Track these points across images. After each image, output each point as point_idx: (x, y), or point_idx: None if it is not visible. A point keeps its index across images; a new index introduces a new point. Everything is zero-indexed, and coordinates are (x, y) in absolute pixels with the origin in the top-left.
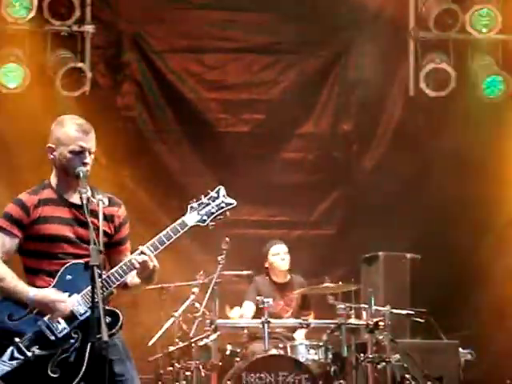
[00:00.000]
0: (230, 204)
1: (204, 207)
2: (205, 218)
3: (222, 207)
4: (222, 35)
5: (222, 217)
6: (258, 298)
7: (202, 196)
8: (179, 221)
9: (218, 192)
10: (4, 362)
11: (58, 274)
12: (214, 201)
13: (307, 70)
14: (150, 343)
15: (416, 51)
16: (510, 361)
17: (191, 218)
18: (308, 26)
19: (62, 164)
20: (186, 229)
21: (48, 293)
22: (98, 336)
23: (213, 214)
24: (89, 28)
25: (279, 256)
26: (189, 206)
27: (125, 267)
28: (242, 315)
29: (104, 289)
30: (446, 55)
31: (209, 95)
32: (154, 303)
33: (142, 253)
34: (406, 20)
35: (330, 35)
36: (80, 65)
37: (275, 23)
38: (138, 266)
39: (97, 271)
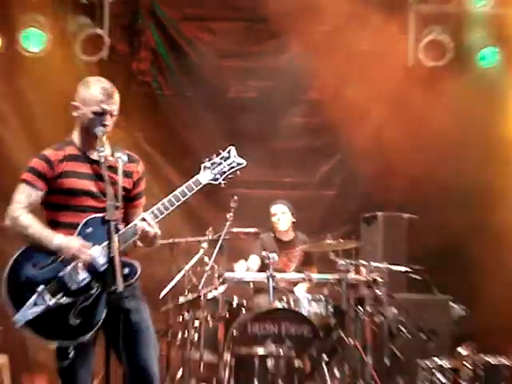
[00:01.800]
0: (241, 163)
1: (216, 166)
2: (217, 176)
3: (233, 166)
4: (232, 4)
5: (233, 175)
6: (263, 253)
7: (215, 156)
8: (193, 179)
9: (229, 152)
10: (28, 309)
11: (79, 226)
12: (225, 160)
13: (312, 40)
14: (162, 295)
15: (415, 23)
16: (501, 319)
17: (205, 177)
18: None
19: (84, 123)
20: (199, 186)
21: (73, 240)
22: (114, 287)
23: (225, 172)
24: None
25: (276, 216)
26: (202, 165)
27: (130, 231)
28: (248, 268)
29: (122, 242)
30: (444, 27)
31: (219, 62)
32: (166, 257)
33: (143, 219)
34: None
35: (332, 6)
36: (99, 31)
37: None
38: (140, 233)
39: (113, 225)
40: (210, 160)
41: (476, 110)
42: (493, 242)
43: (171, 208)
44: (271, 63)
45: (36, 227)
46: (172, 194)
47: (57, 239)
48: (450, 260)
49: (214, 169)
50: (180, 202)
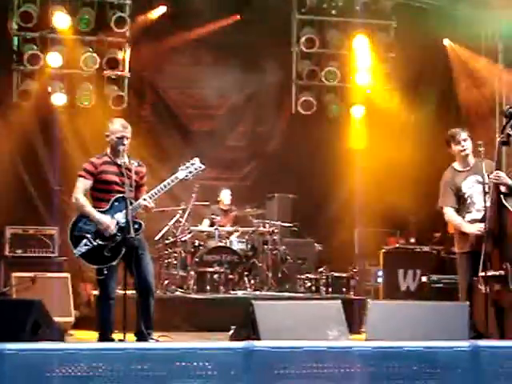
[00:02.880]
0: (201, 167)
1: (187, 168)
2: (187, 174)
3: (197, 169)
4: (191, 79)
5: (197, 174)
6: (212, 216)
7: (186, 162)
8: (173, 176)
9: (195, 160)
10: (81, 247)
11: (110, 201)
12: (192, 165)
13: (237, 99)
14: (156, 238)
15: (295, 90)
16: (342, 252)
17: (180, 174)
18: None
19: (112, 144)
20: (176, 181)
21: (104, 219)
22: (129, 235)
23: (192, 172)
24: (126, 74)
25: (226, 196)
26: (179, 168)
27: (137, 205)
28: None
29: (133, 210)
30: (311, 93)
31: (187, 110)
32: (158, 218)
33: (144, 199)
34: (291, 73)
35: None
36: (121, 93)
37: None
38: (142, 207)
39: (129, 201)
40: (184, 164)
41: (321, 137)
42: (335, 210)
43: (161, 192)
44: (218, 111)
45: (88, 206)
46: (162, 184)
47: (97, 216)
48: (314, 219)
49: (185, 170)
50: (166, 189)
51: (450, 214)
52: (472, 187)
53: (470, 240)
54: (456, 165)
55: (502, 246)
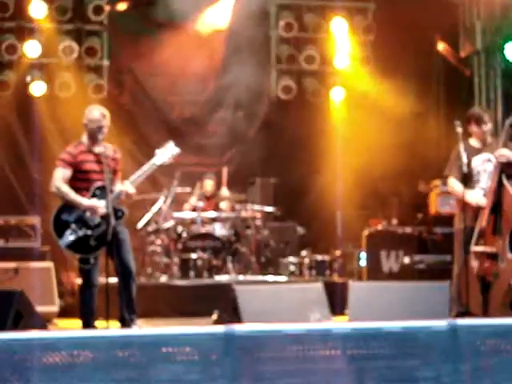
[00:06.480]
0: (177, 150)
1: (163, 154)
2: (164, 159)
3: (173, 152)
4: (171, 65)
5: (173, 157)
6: (196, 202)
7: (161, 147)
8: (151, 161)
9: (169, 144)
10: (66, 237)
11: (91, 190)
12: (167, 149)
13: (217, 84)
14: (139, 226)
15: (276, 75)
16: (324, 235)
17: (158, 160)
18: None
19: (90, 133)
20: (155, 166)
21: (91, 202)
22: (112, 223)
23: (168, 157)
24: (106, 62)
25: (209, 186)
26: (155, 153)
27: (118, 192)
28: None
29: (115, 198)
30: (291, 77)
31: (167, 97)
32: (140, 206)
33: (125, 186)
34: (270, 58)
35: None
36: (101, 81)
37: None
38: (124, 194)
39: (109, 188)
40: (159, 149)
41: (309, 124)
42: (317, 193)
43: (140, 178)
44: (199, 97)
45: (72, 194)
46: (140, 171)
47: (84, 202)
48: (296, 202)
49: (161, 155)
50: (145, 175)
51: (453, 183)
52: (482, 165)
53: (468, 216)
54: (473, 141)
55: (496, 224)
